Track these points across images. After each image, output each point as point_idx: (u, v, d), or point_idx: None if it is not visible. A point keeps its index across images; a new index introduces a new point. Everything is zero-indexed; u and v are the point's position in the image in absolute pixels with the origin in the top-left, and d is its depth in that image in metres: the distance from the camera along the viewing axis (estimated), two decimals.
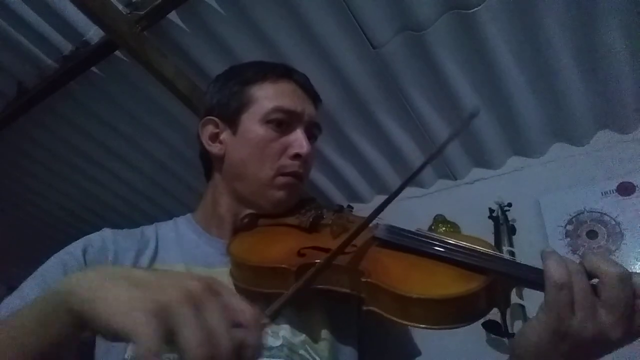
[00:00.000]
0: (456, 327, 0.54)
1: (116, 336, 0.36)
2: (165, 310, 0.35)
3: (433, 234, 0.64)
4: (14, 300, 0.61)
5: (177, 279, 0.39)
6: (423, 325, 0.54)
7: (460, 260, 0.57)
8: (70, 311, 0.40)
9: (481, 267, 0.56)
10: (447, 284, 0.55)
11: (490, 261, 0.57)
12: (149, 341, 0.33)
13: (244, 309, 0.39)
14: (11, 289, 0.64)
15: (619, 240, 1.60)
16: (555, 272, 0.49)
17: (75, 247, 0.69)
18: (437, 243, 0.61)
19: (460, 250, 0.59)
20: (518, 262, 0.58)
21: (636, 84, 1.55)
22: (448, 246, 0.60)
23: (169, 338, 0.35)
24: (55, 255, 0.69)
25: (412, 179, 0.70)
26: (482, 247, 0.61)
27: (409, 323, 0.55)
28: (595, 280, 0.49)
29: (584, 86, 1.60)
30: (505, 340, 1.67)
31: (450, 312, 0.54)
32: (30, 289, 0.63)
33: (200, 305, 0.37)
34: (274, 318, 0.44)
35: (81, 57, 1.76)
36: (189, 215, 0.84)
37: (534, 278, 0.52)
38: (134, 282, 0.38)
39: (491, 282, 0.55)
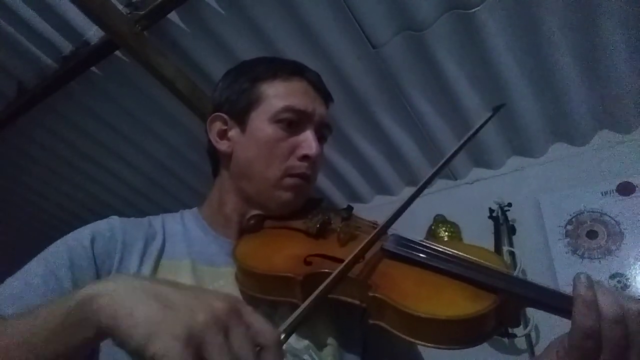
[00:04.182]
0: (465, 348, 0.52)
1: (144, 358, 0.36)
2: (197, 336, 0.36)
3: (441, 246, 0.62)
4: (16, 283, 0.60)
5: (205, 299, 0.39)
6: (430, 345, 0.52)
7: (471, 278, 0.55)
8: (98, 327, 0.39)
9: (492, 286, 0.54)
10: (458, 303, 0.53)
11: (502, 280, 0.55)
12: None
13: (265, 329, 0.40)
14: None
15: (619, 240, 1.60)
16: (585, 321, 0.46)
17: (83, 235, 0.67)
18: (447, 258, 0.59)
19: (472, 267, 0.57)
20: (532, 283, 0.55)
21: (636, 84, 1.55)
22: (458, 262, 0.58)
23: None
24: (62, 240, 0.67)
25: (424, 187, 0.68)
26: (491, 260, 0.59)
27: (415, 341, 0.53)
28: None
29: (584, 86, 1.60)
30: (505, 340, 1.67)
31: (459, 333, 0.52)
32: (34, 275, 0.61)
33: (227, 329, 0.37)
34: (290, 336, 0.44)
35: (81, 57, 1.76)
36: (195, 209, 0.82)
37: (553, 304, 0.50)
38: (164, 301, 0.38)
39: (502, 302, 0.53)
